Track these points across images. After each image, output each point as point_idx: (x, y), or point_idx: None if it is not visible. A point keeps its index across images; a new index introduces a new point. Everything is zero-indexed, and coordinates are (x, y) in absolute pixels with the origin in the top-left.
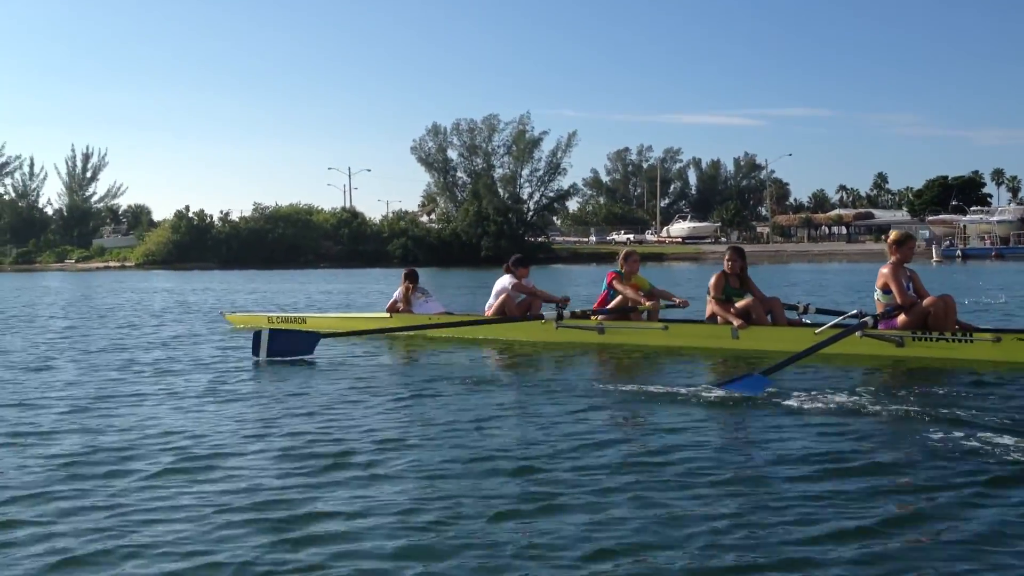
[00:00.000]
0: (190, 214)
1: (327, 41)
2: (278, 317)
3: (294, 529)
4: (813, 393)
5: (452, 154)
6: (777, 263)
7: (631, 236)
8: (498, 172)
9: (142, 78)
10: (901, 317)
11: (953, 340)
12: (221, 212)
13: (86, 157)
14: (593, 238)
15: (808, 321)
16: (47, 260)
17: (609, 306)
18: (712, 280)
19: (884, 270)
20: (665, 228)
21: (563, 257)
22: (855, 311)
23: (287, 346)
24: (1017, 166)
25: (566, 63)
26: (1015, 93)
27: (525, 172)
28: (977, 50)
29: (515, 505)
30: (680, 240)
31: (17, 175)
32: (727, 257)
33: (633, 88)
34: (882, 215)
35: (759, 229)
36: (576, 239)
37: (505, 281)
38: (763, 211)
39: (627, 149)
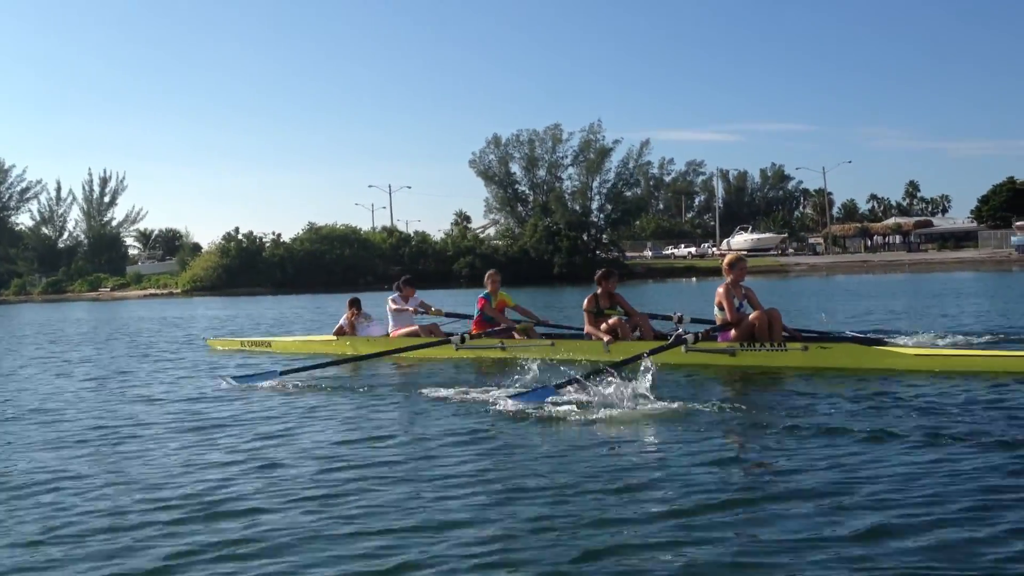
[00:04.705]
0: (239, 236)
1: (342, 66)
2: (250, 341)
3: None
4: (632, 398)
5: (514, 167)
6: (864, 272)
7: (692, 250)
8: (565, 184)
9: (161, 105)
10: (732, 331)
11: (773, 349)
12: (273, 234)
13: (103, 181)
14: (649, 253)
15: (681, 331)
16: (80, 289)
17: (497, 329)
18: (585, 302)
19: (720, 290)
20: (725, 241)
21: (639, 273)
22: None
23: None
24: (996, 177)
25: (544, 80)
26: (993, 105)
27: (595, 184)
28: (954, 62)
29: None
30: (744, 253)
31: (43, 199)
32: (600, 279)
33: (604, 103)
34: (940, 223)
35: (810, 240)
36: (634, 254)
37: (394, 305)
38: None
39: (649, 163)
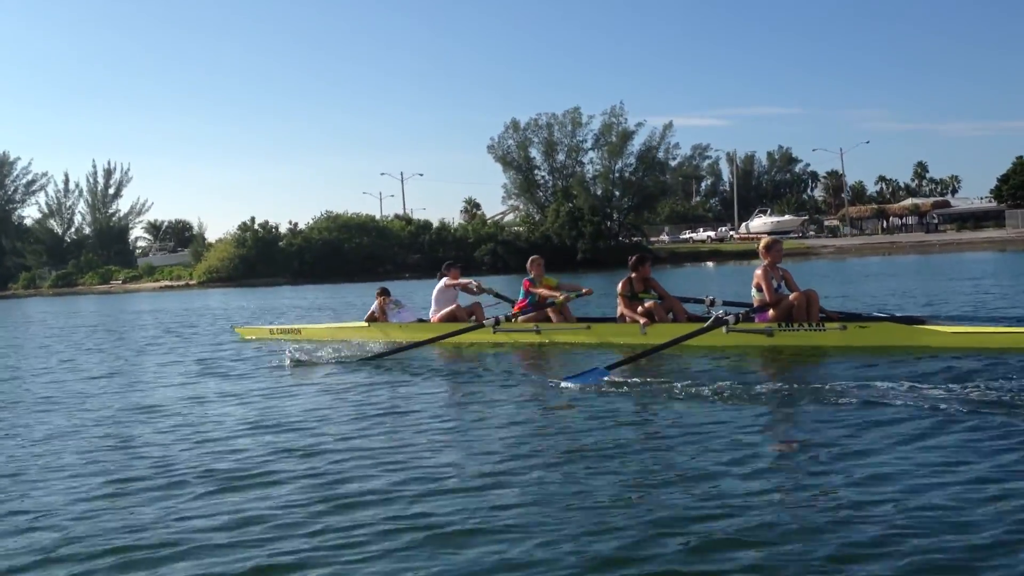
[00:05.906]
0: (255, 226)
1: (345, 53)
2: (279, 328)
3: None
4: (680, 379)
5: (533, 152)
6: (894, 254)
7: (711, 234)
8: (587, 168)
9: (169, 99)
10: (771, 311)
11: (811, 329)
12: (290, 223)
13: (108, 173)
14: (666, 237)
15: (721, 312)
16: (90, 281)
17: (532, 304)
18: (619, 285)
19: (758, 271)
20: (744, 224)
21: (662, 258)
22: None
23: None
24: (991, 156)
25: (530, 71)
26: (990, 85)
27: (617, 168)
28: (943, 42)
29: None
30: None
31: (50, 191)
32: (636, 264)
33: (597, 92)
34: (957, 203)
35: (826, 222)
36: (653, 239)
37: (441, 285)
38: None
39: (655, 147)
